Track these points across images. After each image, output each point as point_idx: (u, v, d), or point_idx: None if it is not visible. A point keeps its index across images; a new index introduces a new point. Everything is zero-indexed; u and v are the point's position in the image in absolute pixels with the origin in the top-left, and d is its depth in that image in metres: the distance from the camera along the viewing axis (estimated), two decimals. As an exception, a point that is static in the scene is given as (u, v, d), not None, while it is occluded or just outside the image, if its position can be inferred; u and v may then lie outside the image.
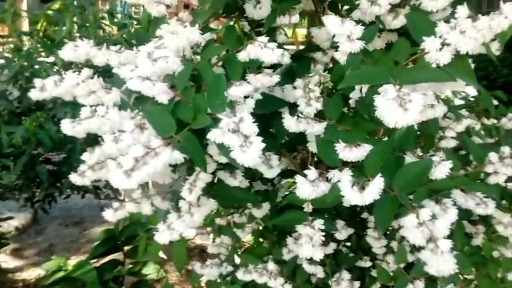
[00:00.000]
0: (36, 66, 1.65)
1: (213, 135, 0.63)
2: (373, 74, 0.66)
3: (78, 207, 3.17)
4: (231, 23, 0.91)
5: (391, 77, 0.64)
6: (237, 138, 0.60)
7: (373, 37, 0.72)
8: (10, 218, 2.30)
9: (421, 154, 1.05)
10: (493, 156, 0.92)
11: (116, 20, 2.05)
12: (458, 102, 1.58)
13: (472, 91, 1.61)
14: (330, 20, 0.69)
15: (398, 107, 0.56)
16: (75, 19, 1.89)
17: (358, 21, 0.86)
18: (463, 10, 0.63)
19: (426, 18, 0.69)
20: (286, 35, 0.93)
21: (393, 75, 0.64)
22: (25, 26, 2.88)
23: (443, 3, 0.74)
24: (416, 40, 0.65)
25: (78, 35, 1.91)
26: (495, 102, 1.46)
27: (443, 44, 0.63)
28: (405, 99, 0.59)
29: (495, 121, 1.40)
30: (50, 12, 1.90)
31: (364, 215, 1.15)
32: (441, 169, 0.70)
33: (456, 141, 1.05)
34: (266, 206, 1.07)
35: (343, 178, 0.66)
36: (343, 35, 0.69)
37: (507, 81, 5.53)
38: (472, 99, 1.56)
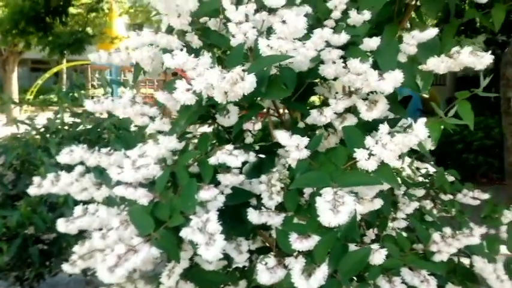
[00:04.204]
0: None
1: (184, 233, 0.76)
2: (316, 178, 0.80)
3: (64, 283, 3.18)
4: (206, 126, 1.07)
5: (331, 181, 0.78)
6: (203, 236, 0.73)
7: (318, 146, 0.87)
8: (-2, 296, 2.34)
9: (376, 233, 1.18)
10: (436, 236, 1.05)
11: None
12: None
13: (432, 168, 1.77)
14: (280, 135, 0.84)
15: (330, 211, 0.70)
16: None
17: (312, 125, 1.03)
18: (384, 127, 0.78)
19: (358, 131, 0.84)
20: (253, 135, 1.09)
21: (333, 178, 0.79)
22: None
23: (377, 114, 0.90)
24: (350, 150, 0.80)
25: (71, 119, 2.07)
26: (451, 178, 1.61)
27: (370, 154, 0.78)
28: (339, 202, 0.73)
29: (451, 197, 1.54)
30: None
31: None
32: (378, 256, 0.83)
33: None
34: (243, 284, 1.17)
35: (295, 266, 0.78)
36: (292, 145, 0.84)
37: (482, 144, 5.79)
38: (434, 174, 1.72)
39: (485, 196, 1.48)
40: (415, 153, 1.73)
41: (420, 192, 1.47)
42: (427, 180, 1.62)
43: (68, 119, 2.04)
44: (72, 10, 9.71)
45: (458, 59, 0.89)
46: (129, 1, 13.98)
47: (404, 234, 1.14)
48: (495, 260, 1.14)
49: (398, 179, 1.56)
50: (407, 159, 1.69)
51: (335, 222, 0.70)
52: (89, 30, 11.49)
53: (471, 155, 5.86)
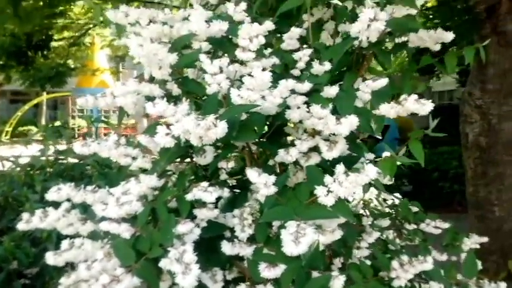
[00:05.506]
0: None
1: (163, 264, 0.85)
2: (282, 212, 0.91)
3: (44, 317, 3.17)
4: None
5: (295, 215, 0.88)
6: (180, 266, 0.82)
7: (284, 183, 0.97)
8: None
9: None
10: (395, 263, 1.15)
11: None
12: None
13: (397, 200, 1.89)
14: (250, 173, 0.95)
15: (292, 242, 0.79)
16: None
17: (281, 163, 1.14)
18: (340, 167, 0.90)
19: (318, 170, 0.96)
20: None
21: (297, 212, 0.89)
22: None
23: (336, 154, 1.02)
24: (311, 188, 0.91)
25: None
26: (415, 209, 1.73)
27: (328, 191, 0.89)
28: (301, 233, 0.83)
29: (415, 226, 1.66)
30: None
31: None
32: (337, 282, 0.93)
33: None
34: (219, 312, 1.24)
35: (264, 293, 0.87)
36: (261, 183, 0.94)
37: (456, 173, 5.98)
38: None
39: (446, 225, 1.59)
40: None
41: (385, 222, 1.58)
42: (392, 211, 1.73)
43: (51, 152, 2.12)
44: (53, 43, 9.84)
45: (405, 106, 1.01)
46: (111, 34, 14.17)
47: (368, 262, 1.24)
48: (450, 284, 1.24)
49: (366, 210, 1.68)
50: (375, 191, 1.80)
51: (296, 252, 0.79)
52: (70, 62, 11.55)
53: (447, 183, 6.04)
